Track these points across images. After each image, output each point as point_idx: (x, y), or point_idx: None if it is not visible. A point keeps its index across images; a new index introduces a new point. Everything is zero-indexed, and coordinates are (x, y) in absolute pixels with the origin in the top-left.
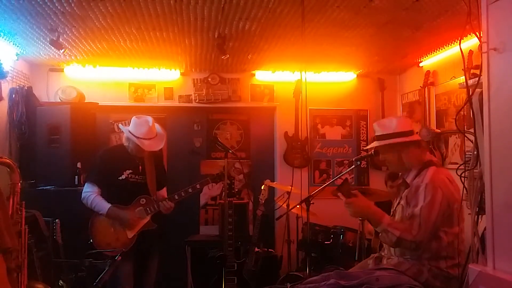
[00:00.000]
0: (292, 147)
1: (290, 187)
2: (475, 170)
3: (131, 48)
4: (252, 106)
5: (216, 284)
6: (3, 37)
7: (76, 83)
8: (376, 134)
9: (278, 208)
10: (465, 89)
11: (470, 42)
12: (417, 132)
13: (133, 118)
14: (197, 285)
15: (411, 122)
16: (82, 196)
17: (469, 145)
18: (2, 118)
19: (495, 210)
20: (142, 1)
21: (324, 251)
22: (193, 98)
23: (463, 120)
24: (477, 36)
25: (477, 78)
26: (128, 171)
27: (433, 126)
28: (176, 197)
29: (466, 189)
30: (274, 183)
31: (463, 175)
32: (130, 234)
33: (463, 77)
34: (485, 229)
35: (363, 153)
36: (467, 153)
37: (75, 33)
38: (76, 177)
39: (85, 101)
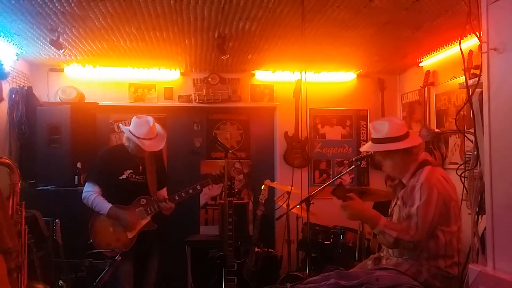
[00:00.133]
0: (292, 147)
1: (290, 187)
2: (475, 170)
3: (131, 48)
4: (252, 106)
5: (216, 284)
6: (3, 37)
7: (76, 83)
8: (371, 136)
9: (278, 208)
10: (465, 89)
11: (470, 42)
12: (407, 134)
13: (134, 118)
14: (197, 285)
15: (404, 124)
16: (83, 196)
17: (469, 145)
18: (2, 118)
19: (495, 210)
20: (142, 1)
21: (324, 251)
22: (193, 98)
23: (463, 120)
24: (477, 36)
25: (477, 78)
26: (128, 171)
27: (433, 126)
28: (177, 198)
29: (466, 189)
30: (274, 183)
31: (463, 175)
32: (131, 234)
33: (463, 77)
34: (485, 229)
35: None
36: (467, 153)
37: (75, 33)
38: (76, 177)
39: (85, 101)
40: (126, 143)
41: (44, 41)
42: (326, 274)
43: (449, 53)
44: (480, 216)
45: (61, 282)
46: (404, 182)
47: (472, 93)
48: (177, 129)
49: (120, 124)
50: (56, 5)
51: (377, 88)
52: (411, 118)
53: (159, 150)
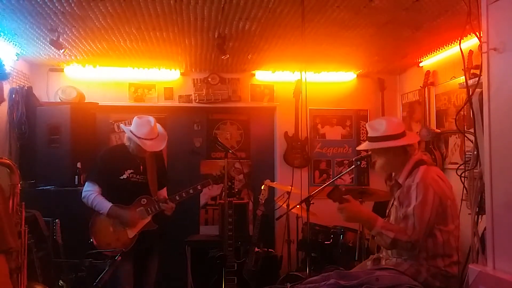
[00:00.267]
0: (292, 147)
1: (290, 187)
2: (475, 170)
3: (131, 48)
4: (252, 106)
5: (216, 284)
6: (3, 37)
7: (76, 83)
8: (368, 135)
9: (278, 208)
10: (465, 89)
11: (470, 42)
12: (405, 132)
13: (135, 118)
14: (197, 285)
15: (402, 123)
16: (83, 195)
17: (469, 145)
18: (2, 118)
19: (495, 210)
20: (142, 1)
21: (324, 251)
22: (193, 98)
23: (463, 120)
24: (477, 36)
25: (477, 78)
26: (129, 171)
27: (433, 126)
28: (177, 198)
29: (466, 189)
30: (274, 183)
31: (463, 175)
32: (131, 234)
33: (463, 77)
34: (485, 229)
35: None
36: (467, 153)
37: (75, 33)
38: (76, 177)
39: (85, 101)
40: (127, 143)
41: (44, 41)
42: (326, 274)
43: (449, 53)
44: (480, 216)
45: (61, 282)
46: (400, 182)
47: (472, 93)
48: (177, 129)
49: (121, 124)
50: (56, 5)
51: (377, 88)
52: (411, 118)
53: (160, 150)
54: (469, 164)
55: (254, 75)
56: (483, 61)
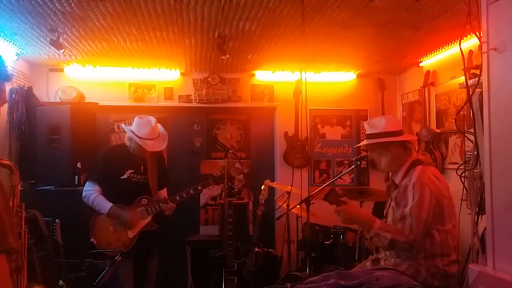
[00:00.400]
0: (292, 147)
1: (290, 187)
2: (475, 170)
3: (131, 48)
4: (252, 106)
5: (216, 284)
6: (3, 37)
7: (76, 83)
8: (366, 132)
9: (278, 208)
10: (465, 89)
11: (470, 42)
12: (402, 131)
13: (136, 118)
14: (197, 285)
15: (400, 122)
16: (83, 195)
17: (469, 145)
18: (2, 118)
19: (495, 210)
20: (142, 1)
21: (324, 251)
22: (193, 98)
23: (463, 120)
24: (477, 36)
25: (477, 78)
26: (130, 171)
27: (433, 126)
28: (178, 198)
29: (466, 189)
30: (274, 183)
31: (463, 175)
32: (131, 234)
33: (463, 77)
34: (485, 229)
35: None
36: (467, 153)
37: (75, 33)
38: (76, 177)
39: (85, 101)
40: (128, 143)
41: (44, 41)
42: (326, 274)
43: (449, 53)
44: (480, 216)
45: (61, 282)
46: (397, 182)
47: (472, 93)
48: (177, 129)
49: (122, 124)
50: (56, 5)
51: (377, 88)
52: (411, 118)
53: (160, 150)
54: (469, 164)
55: (254, 75)
56: (483, 61)
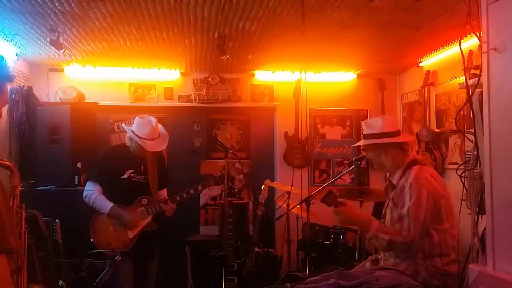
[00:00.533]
0: (292, 147)
1: (290, 187)
2: (475, 170)
3: (131, 48)
4: (252, 106)
5: (216, 284)
6: (3, 37)
7: (76, 83)
8: (363, 133)
9: (278, 208)
10: (465, 89)
11: (470, 42)
12: (400, 132)
13: (137, 118)
14: (197, 285)
15: (397, 122)
16: (84, 195)
17: (469, 145)
18: (2, 118)
19: (495, 210)
20: (142, 1)
21: (324, 251)
22: (193, 98)
23: (463, 120)
24: (477, 36)
25: (477, 78)
26: (130, 171)
27: (433, 126)
28: (178, 198)
29: (466, 189)
30: (274, 183)
31: (463, 175)
32: (131, 234)
33: (463, 77)
34: (485, 229)
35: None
36: (467, 153)
37: (75, 33)
38: (76, 177)
39: (85, 101)
40: (128, 143)
41: (44, 41)
42: (326, 274)
43: (449, 53)
44: (480, 216)
45: (61, 282)
46: (394, 183)
47: (472, 93)
48: (177, 129)
49: (123, 124)
50: (56, 5)
51: (377, 88)
52: (411, 118)
53: (161, 150)
54: (469, 164)
55: (254, 75)
56: (483, 61)
